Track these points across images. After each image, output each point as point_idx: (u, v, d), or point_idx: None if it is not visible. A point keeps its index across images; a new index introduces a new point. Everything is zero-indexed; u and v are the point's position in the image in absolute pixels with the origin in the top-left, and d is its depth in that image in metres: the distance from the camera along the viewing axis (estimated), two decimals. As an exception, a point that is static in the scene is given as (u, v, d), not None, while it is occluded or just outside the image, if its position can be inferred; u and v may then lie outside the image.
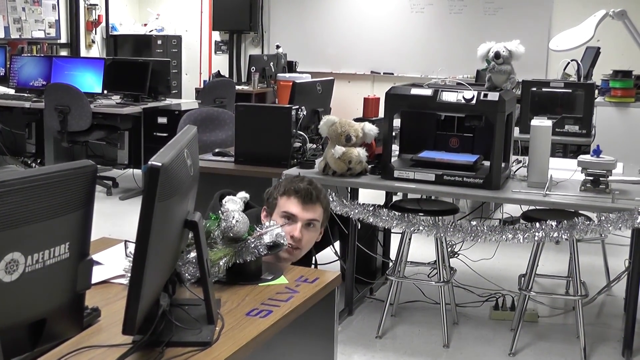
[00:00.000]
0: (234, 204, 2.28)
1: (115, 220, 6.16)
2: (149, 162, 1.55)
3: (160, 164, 1.55)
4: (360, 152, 3.72)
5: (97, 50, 11.02)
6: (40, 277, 1.48)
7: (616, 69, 6.15)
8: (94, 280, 1.70)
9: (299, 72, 9.91)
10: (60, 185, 1.50)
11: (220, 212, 2.24)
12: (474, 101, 3.59)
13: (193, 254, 2.02)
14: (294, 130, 4.03)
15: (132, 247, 1.73)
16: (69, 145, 7.45)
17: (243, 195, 2.39)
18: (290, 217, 2.58)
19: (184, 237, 1.97)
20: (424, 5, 10.15)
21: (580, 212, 3.61)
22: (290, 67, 10.04)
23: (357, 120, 3.93)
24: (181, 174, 1.77)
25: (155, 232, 1.57)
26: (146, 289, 1.59)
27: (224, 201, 2.29)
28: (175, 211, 1.77)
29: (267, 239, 2.24)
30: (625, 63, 6.27)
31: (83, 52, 10.77)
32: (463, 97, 3.60)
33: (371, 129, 3.75)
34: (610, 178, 3.60)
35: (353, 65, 10.50)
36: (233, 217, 2.22)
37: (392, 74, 10.32)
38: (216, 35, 11.53)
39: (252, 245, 2.21)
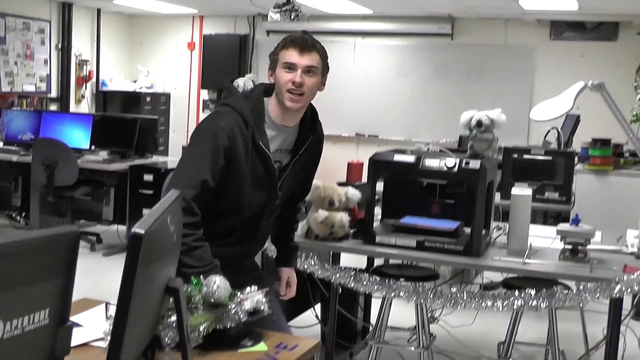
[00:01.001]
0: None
1: (97, 277, 6.15)
2: (132, 229, 1.58)
3: (143, 232, 1.58)
4: (343, 217, 3.76)
5: (86, 105, 11.11)
6: (19, 344, 1.48)
7: (596, 137, 6.27)
8: (73, 342, 1.71)
9: (286, 132, 10.00)
10: (42, 251, 1.50)
11: (201, 277, 2.26)
12: (455, 169, 3.64)
13: (174, 318, 2.04)
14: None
15: (112, 310, 1.74)
16: (54, 200, 7.47)
17: (251, 76, 2.94)
18: (290, 67, 2.75)
19: (165, 302, 1.99)
20: (410, 69, 10.33)
21: (559, 280, 3.65)
22: (277, 127, 10.13)
23: (340, 184, 3.98)
24: (164, 240, 1.81)
25: (137, 298, 1.60)
26: (125, 354, 1.61)
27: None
28: (157, 277, 1.80)
29: (247, 305, 2.27)
30: (604, 131, 6.39)
31: (72, 107, 10.86)
32: (445, 164, 3.66)
33: (354, 193, 3.80)
34: (588, 247, 3.64)
35: (338, 127, 10.61)
36: (214, 282, 2.24)
37: (377, 136, 10.43)
38: (204, 94, 11.66)
39: (233, 312, 2.23)
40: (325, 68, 2.85)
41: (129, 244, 1.58)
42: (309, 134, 2.96)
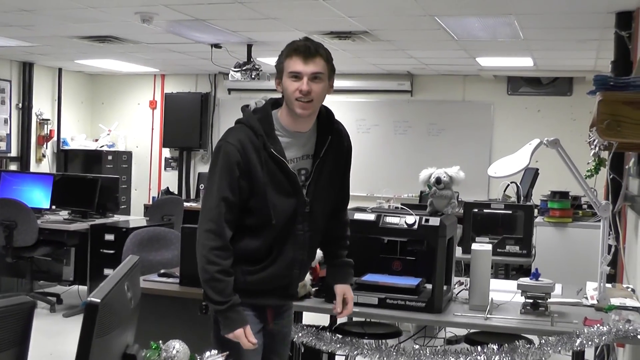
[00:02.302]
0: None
1: (58, 340, 6.03)
2: (87, 299, 1.57)
3: (98, 301, 1.57)
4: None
5: (47, 165, 11.04)
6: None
7: (554, 190, 6.37)
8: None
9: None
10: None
11: (160, 342, 2.24)
12: (415, 226, 3.67)
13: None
14: (239, 253, 4.05)
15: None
16: (13, 261, 7.36)
17: (264, 96, 3.12)
18: (296, 76, 2.78)
19: (123, 369, 1.97)
20: (370, 125, 10.44)
21: (521, 334, 3.67)
22: (239, 184, 10.13)
23: (301, 243, 3.98)
24: (121, 307, 1.80)
25: (93, 368, 1.58)
26: None
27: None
28: (114, 345, 1.78)
29: (207, 369, 2.25)
30: (562, 183, 6.50)
31: (33, 166, 10.77)
32: (405, 222, 3.69)
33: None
34: (549, 300, 3.67)
35: (301, 183, 10.63)
36: (174, 347, 2.22)
37: (340, 191, 10.44)
38: (166, 152, 11.66)
39: (192, 376, 2.21)
40: (331, 70, 2.89)
41: (85, 314, 1.57)
42: (327, 135, 2.97)
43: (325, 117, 3.01)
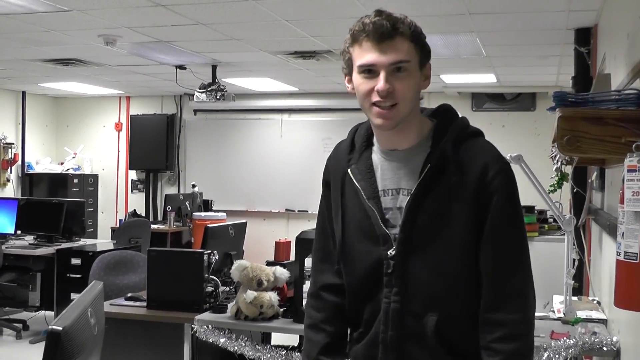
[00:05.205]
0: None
1: (23, 367, 5.96)
2: (49, 327, 1.56)
3: (61, 329, 1.56)
4: (272, 296, 3.76)
5: (12, 189, 10.91)
6: None
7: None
8: None
9: (215, 211, 10.01)
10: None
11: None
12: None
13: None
14: (206, 275, 4.05)
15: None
16: (-23, 288, 7.26)
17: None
18: (370, 70, 1.91)
19: (87, 397, 1.95)
20: (336, 144, 10.46)
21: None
22: (206, 206, 10.13)
23: (269, 263, 3.99)
24: (84, 334, 1.78)
25: (55, 397, 1.56)
26: None
27: None
28: (78, 373, 1.76)
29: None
30: (528, 198, 6.55)
31: (-3, 191, 10.66)
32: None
33: (282, 272, 3.81)
34: (515, 315, 3.69)
35: (268, 203, 10.64)
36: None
37: (307, 211, 10.45)
38: (133, 174, 11.59)
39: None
40: (423, 54, 1.96)
41: (46, 342, 1.56)
42: (436, 157, 1.93)
43: (439, 127, 1.99)
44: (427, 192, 1.91)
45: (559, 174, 3.95)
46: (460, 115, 2.04)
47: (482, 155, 1.92)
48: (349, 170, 2.01)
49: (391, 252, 1.93)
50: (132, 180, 11.61)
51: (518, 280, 1.91)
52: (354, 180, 2.00)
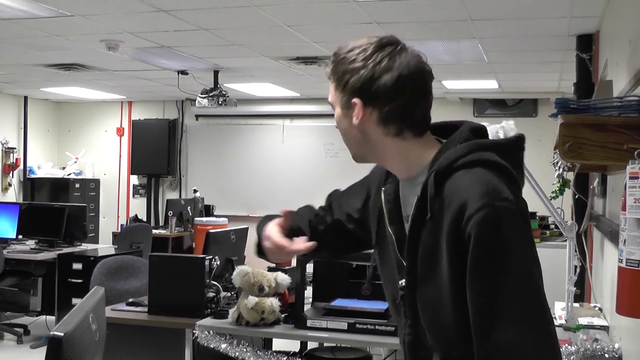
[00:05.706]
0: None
1: (24, 372, 5.95)
2: (51, 332, 1.56)
3: (62, 334, 1.56)
4: (273, 302, 3.75)
5: (13, 194, 10.91)
6: None
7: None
8: None
9: (216, 216, 10.00)
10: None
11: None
12: (383, 249, 3.65)
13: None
14: (208, 280, 4.04)
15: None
16: (-22, 293, 7.25)
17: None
18: None
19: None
20: (338, 149, 10.47)
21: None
22: (208, 211, 10.12)
23: (270, 269, 3.98)
24: (85, 340, 1.78)
25: (57, 402, 1.56)
26: None
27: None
28: (79, 379, 1.76)
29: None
30: (530, 204, 6.54)
31: (-1, 196, 10.67)
32: (373, 245, 3.69)
33: (284, 278, 3.81)
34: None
35: (269, 208, 10.47)
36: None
37: (309, 216, 10.43)
38: (134, 179, 11.59)
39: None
40: (340, 87, 1.88)
41: (48, 348, 1.55)
42: (421, 189, 1.66)
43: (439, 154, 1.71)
44: (423, 223, 1.64)
45: (561, 180, 3.94)
46: (473, 138, 1.77)
47: (463, 192, 1.57)
48: (382, 189, 1.83)
49: (402, 282, 1.72)
50: (133, 185, 11.61)
51: (503, 336, 1.50)
52: (383, 201, 1.82)
